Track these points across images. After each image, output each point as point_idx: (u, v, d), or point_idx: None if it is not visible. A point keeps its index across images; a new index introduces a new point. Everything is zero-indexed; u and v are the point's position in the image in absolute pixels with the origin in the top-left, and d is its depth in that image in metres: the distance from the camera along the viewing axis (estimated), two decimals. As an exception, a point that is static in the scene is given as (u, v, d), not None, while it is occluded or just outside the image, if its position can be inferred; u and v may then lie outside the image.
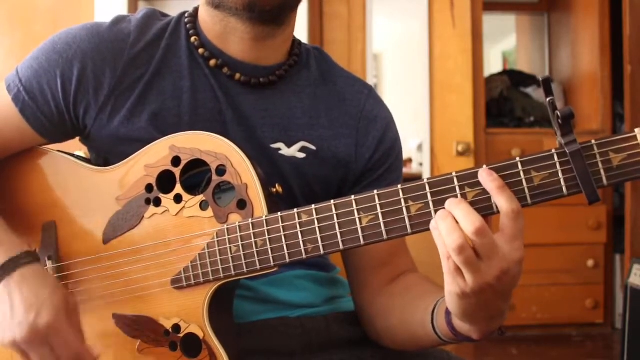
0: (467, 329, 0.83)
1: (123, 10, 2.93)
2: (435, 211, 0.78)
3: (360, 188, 1.05)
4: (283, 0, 0.96)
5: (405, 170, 4.51)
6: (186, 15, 1.04)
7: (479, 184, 0.76)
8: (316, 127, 1.03)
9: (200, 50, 1.00)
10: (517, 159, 0.75)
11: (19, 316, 0.85)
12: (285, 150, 1.01)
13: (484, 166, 0.77)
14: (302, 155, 1.01)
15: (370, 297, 1.04)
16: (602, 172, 0.73)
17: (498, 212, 0.77)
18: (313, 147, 1.02)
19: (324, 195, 1.03)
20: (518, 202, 0.75)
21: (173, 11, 1.07)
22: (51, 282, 0.89)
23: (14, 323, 0.85)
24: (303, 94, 1.04)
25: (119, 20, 1.01)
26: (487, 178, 0.76)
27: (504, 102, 3.64)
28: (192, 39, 1.01)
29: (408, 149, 4.31)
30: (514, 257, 0.75)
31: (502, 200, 0.75)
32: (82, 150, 1.07)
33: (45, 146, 1.02)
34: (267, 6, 0.94)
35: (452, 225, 0.74)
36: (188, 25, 1.02)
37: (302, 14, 3.23)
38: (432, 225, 0.77)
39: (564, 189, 0.75)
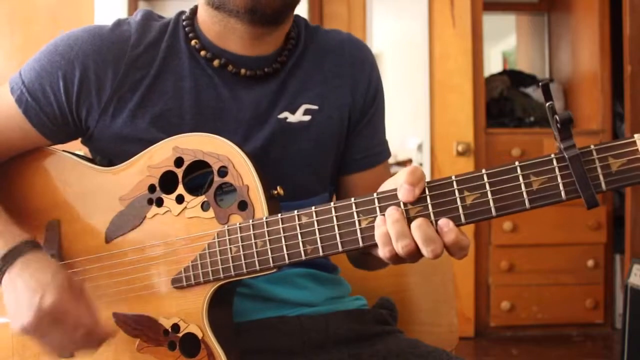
0: None
1: (123, 10, 2.93)
2: (434, 214, 0.78)
3: (355, 134, 1.10)
4: (283, 3, 0.97)
5: (405, 170, 4.52)
6: (183, 17, 1.05)
7: (478, 187, 0.77)
8: (313, 87, 1.06)
9: (202, 53, 1.01)
10: (516, 163, 0.76)
11: (24, 303, 0.86)
12: (291, 117, 1.03)
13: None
14: (307, 117, 1.04)
15: None
16: (601, 177, 0.73)
17: (496, 216, 0.77)
18: (315, 107, 1.05)
19: (335, 151, 1.08)
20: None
21: (172, 11, 1.08)
22: (52, 266, 0.90)
23: (21, 310, 0.86)
24: (299, 71, 1.06)
25: (119, 23, 1.02)
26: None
27: (504, 102, 3.64)
28: (193, 42, 1.02)
29: (408, 149, 4.31)
30: None
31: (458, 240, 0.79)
32: (82, 151, 1.08)
33: (50, 146, 1.03)
34: (268, 9, 0.95)
35: (402, 229, 0.78)
36: (187, 29, 1.03)
37: (302, 14, 3.23)
38: (378, 221, 0.80)
39: (563, 193, 0.75)
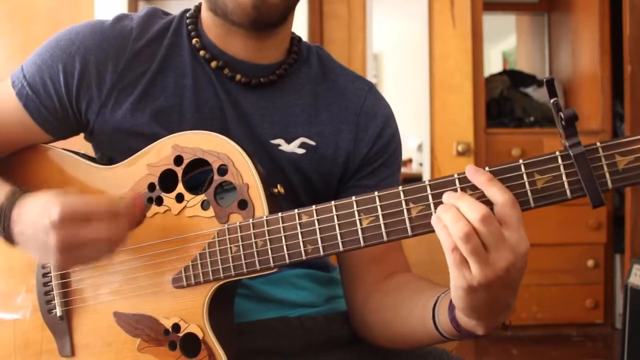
0: (473, 325, 0.82)
1: (123, 10, 2.93)
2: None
3: (355, 181, 1.06)
4: (285, 10, 0.97)
5: (405, 170, 4.52)
6: (187, 15, 1.05)
7: None
8: (316, 123, 1.04)
9: (202, 53, 1.01)
10: (520, 161, 0.75)
11: (39, 231, 0.83)
12: (285, 147, 1.01)
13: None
14: (301, 151, 1.02)
15: (363, 293, 1.03)
16: (607, 175, 0.72)
17: None
18: (312, 143, 1.03)
19: (325, 190, 1.04)
20: (510, 192, 0.74)
21: (173, 10, 1.08)
22: (42, 193, 0.87)
23: (41, 240, 0.83)
24: (303, 91, 1.05)
25: (121, 17, 1.02)
26: (475, 174, 0.75)
27: (504, 102, 3.64)
28: (194, 41, 1.02)
29: (408, 149, 4.32)
30: (521, 248, 0.74)
31: (495, 192, 0.74)
32: (84, 149, 1.07)
33: (50, 144, 1.03)
34: (272, 19, 0.96)
35: (456, 215, 0.73)
36: (190, 27, 1.03)
37: (302, 13, 3.23)
38: (433, 219, 0.76)
39: (568, 192, 0.74)
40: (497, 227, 0.73)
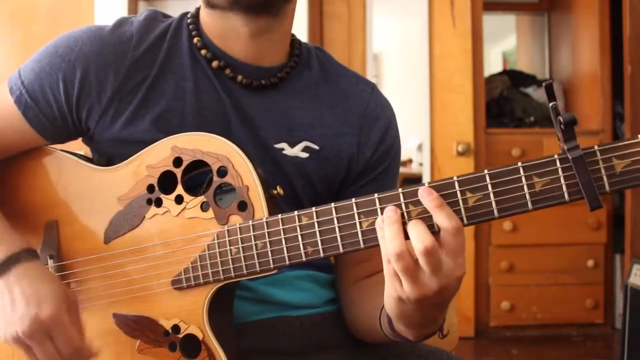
0: (403, 330, 0.85)
1: (123, 11, 2.92)
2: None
3: (357, 187, 1.06)
4: None
5: (405, 170, 4.52)
6: (188, 16, 1.04)
7: (480, 188, 0.76)
8: (319, 126, 1.03)
9: (203, 52, 1.00)
10: (519, 164, 0.75)
11: (20, 310, 0.86)
12: (289, 150, 1.01)
13: (425, 184, 0.77)
14: (305, 154, 1.02)
15: (344, 287, 1.06)
16: (605, 178, 0.73)
17: (499, 217, 0.76)
18: (316, 147, 1.02)
19: (327, 194, 1.04)
20: (458, 219, 0.75)
21: (173, 12, 1.07)
22: (51, 278, 0.90)
23: (15, 317, 0.86)
24: (305, 94, 1.04)
25: (121, 23, 1.01)
26: (426, 197, 0.76)
27: (504, 102, 3.64)
28: (195, 40, 1.01)
29: (408, 149, 4.32)
30: (456, 274, 0.76)
31: (441, 218, 0.75)
32: (83, 150, 1.07)
33: (49, 146, 1.03)
34: (249, 2, 0.94)
35: (396, 231, 0.75)
36: (191, 27, 1.02)
37: (302, 13, 3.23)
38: (377, 224, 0.78)
39: (566, 195, 0.74)
40: (437, 259, 0.74)
